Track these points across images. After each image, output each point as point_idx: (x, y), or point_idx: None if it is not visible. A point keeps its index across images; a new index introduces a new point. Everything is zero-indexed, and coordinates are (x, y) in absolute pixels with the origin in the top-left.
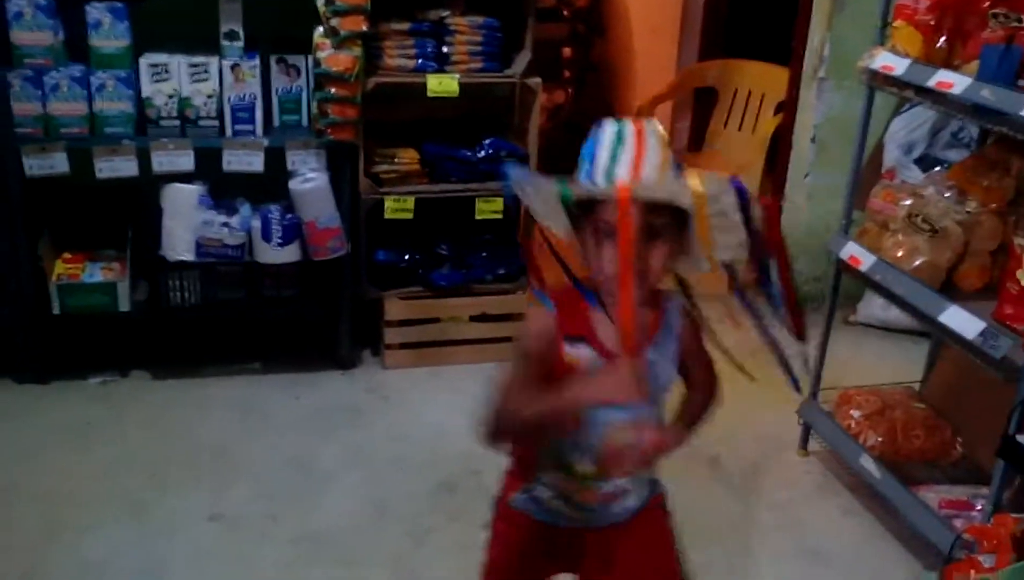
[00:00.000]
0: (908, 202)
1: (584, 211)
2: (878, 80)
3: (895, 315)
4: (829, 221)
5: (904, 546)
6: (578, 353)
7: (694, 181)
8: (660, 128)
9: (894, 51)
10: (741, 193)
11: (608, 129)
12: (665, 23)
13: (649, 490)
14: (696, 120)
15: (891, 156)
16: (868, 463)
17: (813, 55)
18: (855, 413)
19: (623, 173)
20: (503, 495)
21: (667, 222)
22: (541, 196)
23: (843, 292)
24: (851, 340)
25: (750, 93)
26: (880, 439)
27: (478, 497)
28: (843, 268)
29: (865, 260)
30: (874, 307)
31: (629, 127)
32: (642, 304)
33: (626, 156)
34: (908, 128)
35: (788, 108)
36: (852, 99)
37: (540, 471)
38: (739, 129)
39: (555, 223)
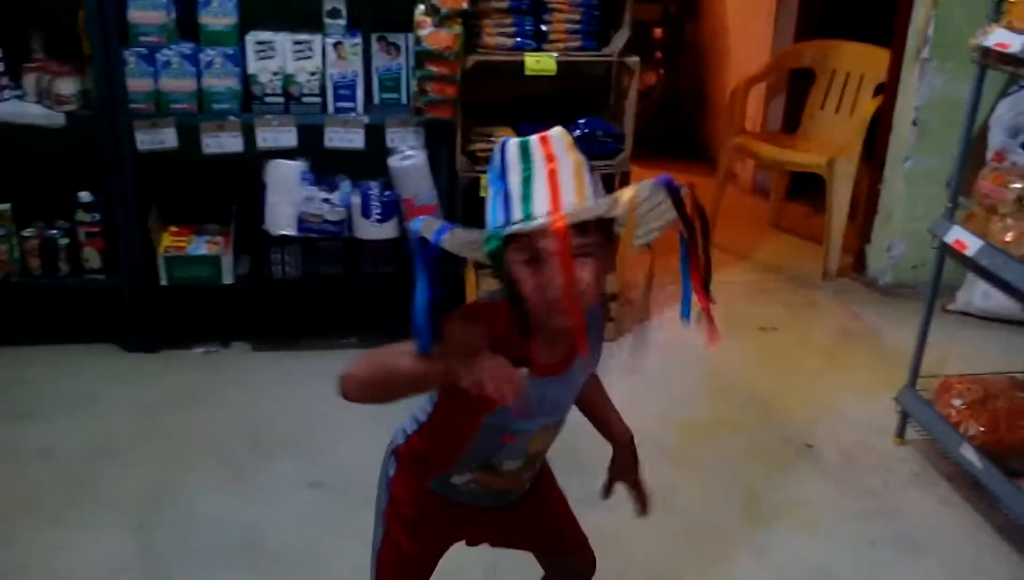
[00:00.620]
0: (1019, 185)
1: (509, 241)
2: (991, 58)
3: (995, 304)
4: (929, 207)
5: (1005, 539)
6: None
7: (626, 194)
8: (561, 134)
9: (1010, 28)
10: (671, 188)
11: (512, 149)
12: (760, 2)
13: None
14: (791, 102)
15: (996, 140)
16: (969, 453)
17: (916, 35)
18: (956, 402)
19: (541, 200)
20: (403, 486)
21: (597, 240)
22: (464, 245)
23: (941, 280)
24: (949, 329)
25: (848, 74)
26: (982, 429)
27: (573, 471)
28: (948, 253)
29: (971, 245)
30: (974, 295)
31: (534, 142)
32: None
33: (539, 178)
34: (1015, 111)
35: (888, 90)
36: (956, 80)
37: (458, 471)
38: (836, 112)
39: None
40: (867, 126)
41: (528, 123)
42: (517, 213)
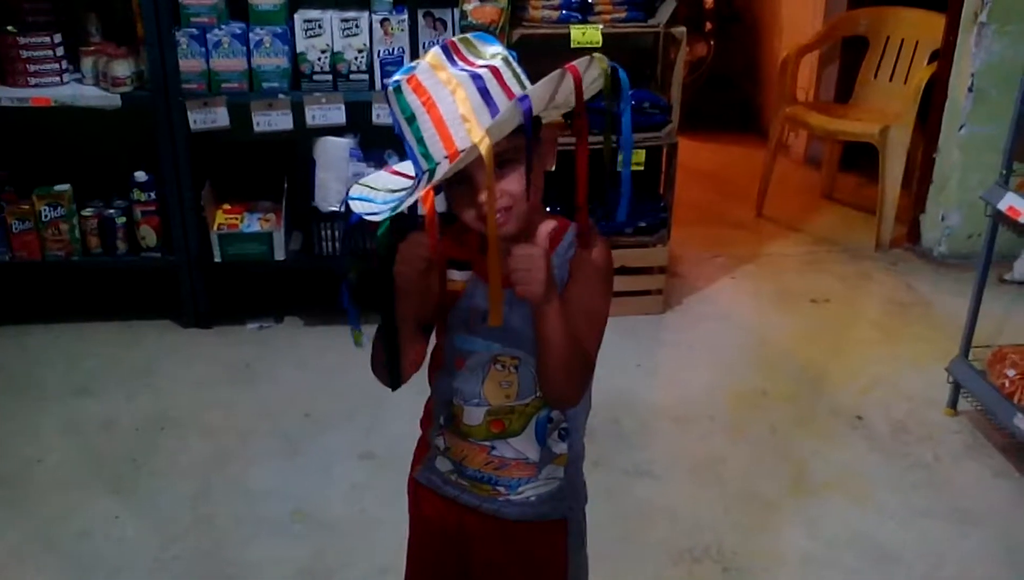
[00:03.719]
0: None
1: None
2: None
3: None
4: (985, 175)
5: None
6: (460, 277)
7: (484, 142)
8: (429, 60)
9: None
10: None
11: (393, 101)
12: None
13: (557, 495)
14: (843, 70)
15: None
16: (1023, 423)
17: None
18: (1010, 372)
19: (434, 145)
20: (412, 469)
21: (517, 143)
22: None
23: (997, 250)
24: (1005, 299)
25: (903, 41)
26: None
27: (617, 444)
28: (1001, 220)
29: None
30: None
31: (405, 88)
32: (518, 239)
33: (422, 118)
34: None
35: (944, 56)
36: (1016, 44)
37: (434, 426)
38: (890, 80)
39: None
40: (921, 94)
41: None
42: (424, 164)
